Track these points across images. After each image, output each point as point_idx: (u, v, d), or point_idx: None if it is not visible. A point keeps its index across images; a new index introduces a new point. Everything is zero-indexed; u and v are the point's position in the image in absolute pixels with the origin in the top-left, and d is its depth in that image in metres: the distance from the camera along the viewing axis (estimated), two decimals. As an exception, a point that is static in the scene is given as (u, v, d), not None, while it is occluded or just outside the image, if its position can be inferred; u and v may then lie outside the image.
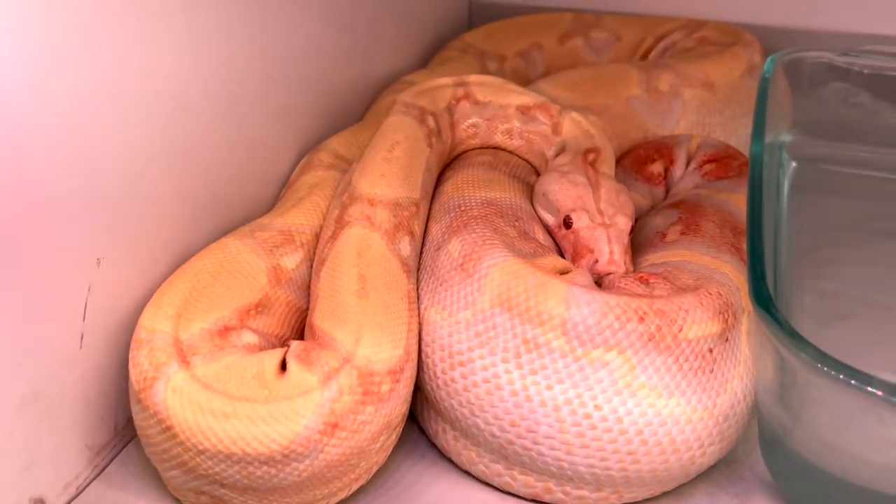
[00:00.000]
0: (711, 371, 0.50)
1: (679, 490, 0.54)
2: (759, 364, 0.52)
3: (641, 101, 0.83)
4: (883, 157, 0.87)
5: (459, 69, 0.88)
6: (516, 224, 0.58)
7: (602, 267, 0.56)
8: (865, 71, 0.87)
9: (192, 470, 0.48)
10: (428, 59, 0.98)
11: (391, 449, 0.53)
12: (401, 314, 0.53)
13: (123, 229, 0.53)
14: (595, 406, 0.48)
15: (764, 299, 0.49)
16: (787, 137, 0.87)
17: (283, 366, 0.50)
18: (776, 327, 0.47)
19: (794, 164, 0.87)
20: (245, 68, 0.63)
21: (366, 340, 0.50)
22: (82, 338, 0.51)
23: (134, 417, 0.51)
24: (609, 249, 0.56)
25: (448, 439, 0.55)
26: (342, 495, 0.51)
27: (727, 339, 0.52)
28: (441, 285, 0.55)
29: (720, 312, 0.51)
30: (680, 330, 0.49)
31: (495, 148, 0.72)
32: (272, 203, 0.69)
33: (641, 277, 0.54)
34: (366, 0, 0.81)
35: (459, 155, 0.71)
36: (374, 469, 0.52)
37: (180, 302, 0.52)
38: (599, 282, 0.55)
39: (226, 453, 0.46)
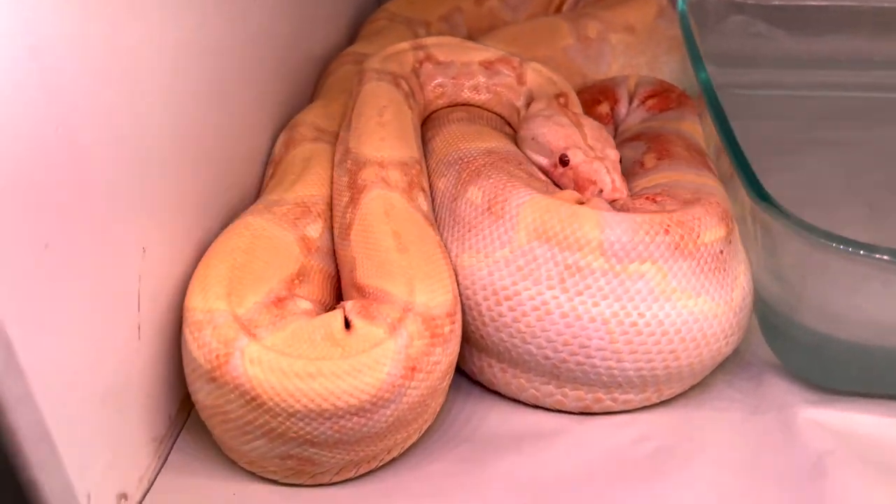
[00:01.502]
0: (724, 270, 0.57)
1: (703, 381, 0.60)
2: (759, 256, 0.59)
3: (576, 49, 0.88)
4: (783, 78, 0.97)
5: (395, 37, 0.90)
6: (522, 167, 0.62)
7: (608, 194, 0.61)
8: (760, 3, 0.96)
9: (281, 435, 0.49)
10: (353, 31, 1.00)
11: (448, 389, 0.56)
12: (441, 262, 0.56)
13: (158, 217, 0.52)
14: (639, 314, 0.53)
15: (764, 195, 0.55)
16: (699, 69, 0.94)
17: (346, 325, 0.52)
18: (782, 216, 0.53)
19: (712, 93, 0.95)
20: (227, 53, 0.63)
21: (419, 289, 0.53)
22: (139, 328, 0.51)
23: (203, 399, 0.51)
24: (611, 178, 0.61)
25: (495, 372, 0.59)
26: (415, 437, 0.54)
27: (730, 241, 0.58)
28: (469, 231, 0.58)
29: (723, 218, 0.58)
30: (698, 237, 0.55)
31: (464, 104, 0.75)
32: (258, 182, 0.70)
33: (648, 197, 0.60)
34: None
35: (430, 115, 0.74)
36: (438, 409, 0.55)
37: (226, 281, 0.53)
38: (612, 207, 0.60)
39: (318, 411, 0.48)
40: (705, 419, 0.58)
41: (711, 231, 0.56)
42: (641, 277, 0.54)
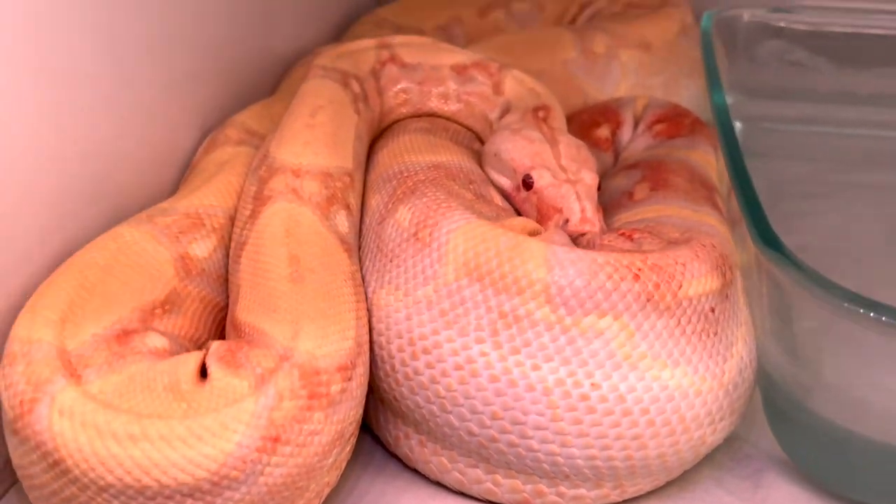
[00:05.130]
0: (716, 334, 0.43)
1: (684, 477, 0.47)
2: (766, 319, 0.45)
3: (578, 64, 0.78)
4: (824, 113, 0.85)
5: (376, 44, 0.80)
6: (471, 187, 0.50)
7: (575, 226, 0.48)
8: (802, 27, 0.84)
9: (93, 514, 0.37)
10: (339, 34, 0.90)
11: (345, 464, 0.44)
12: (346, 298, 0.44)
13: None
14: (592, 384, 0.40)
15: (773, 241, 0.42)
16: (727, 99, 0.82)
17: (203, 372, 0.40)
18: (795, 268, 0.40)
19: (738, 124, 0.83)
20: (137, 28, 0.53)
21: (306, 332, 0.41)
22: (-65, 359, 0.39)
23: (11, 454, 0.39)
24: (580, 206, 0.49)
25: (412, 445, 0.46)
26: (289, 528, 0.41)
27: (727, 297, 0.45)
28: (391, 261, 0.46)
29: (717, 266, 0.44)
30: (679, 287, 0.42)
31: (430, 115, 0.63)
32: (174, 189, 0.59)
33: (623, 233, 0.47)
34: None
35: (390, 125, 0.63)
36: (327, 491, 0.43)
37: (65, 304, 0.42)
38: (575, 243, 0.47)
39: (136, 487, 0.36)
40: (683, 529, 0.44)
41: (699, 281, 0.43)
42: (599, 335, 0.41)
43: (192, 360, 0.40)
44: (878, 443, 0.41)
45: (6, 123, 0.43)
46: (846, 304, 0.38)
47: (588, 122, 0.72)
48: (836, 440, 0.43)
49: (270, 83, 0.75)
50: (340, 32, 0.90)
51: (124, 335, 0.41)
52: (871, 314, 0.37)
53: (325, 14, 0.88)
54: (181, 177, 0.60)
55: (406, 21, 0.91)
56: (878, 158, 0.78)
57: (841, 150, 0.81)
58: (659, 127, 0.70)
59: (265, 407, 0.38)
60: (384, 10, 0.92)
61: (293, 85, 0.72)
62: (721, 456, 0.48)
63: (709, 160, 0.64)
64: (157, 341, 0.42)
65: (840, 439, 0.43)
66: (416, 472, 0.47)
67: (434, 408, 0.43)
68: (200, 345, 0.46)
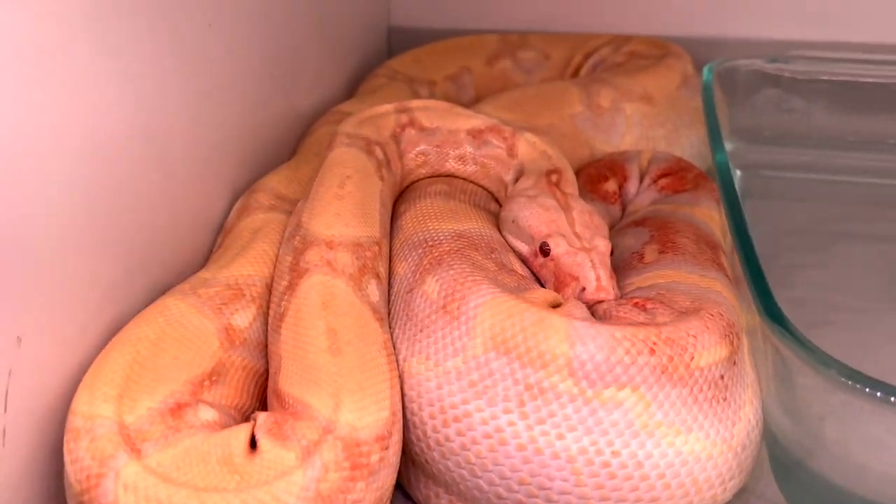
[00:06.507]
0: (725, 399, 0.47)
1: (696, 531, 0.50)
2: (769, 382, 0.48)
3: (585, 117, 0.81)
4: (821, 160, 0.88)
5: (391, 96, 0.83)
6: (493, 256, 0.53)
7: (591, 295, 0.51)
8: (797, 76, 0.88)
9: (156, 582, 0.40)
10: (352, 87, 0.93)
11: (380, 524, 0.47)
12: (381, 369, 0.47)
13: (45, 299, 0.45)
14: (612, 452, 0.44)
15: (777, 315, 0.45)
16: (727, 146, 0.86)
17: (253, 443, 0.43)
18: (796, 344, 0.43)
19: (738, 172, 0.86)
20: (171, 108, 0.56)
21: (347, 405, 0.44)
22: (4, 433, 0.42)
23: (75, 524, 0.42)
24: (595, 275, 0.52)
25: (442, 504, 0.49)
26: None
27: (734, 363, 0.48)
28: (421, 332, 0.49)
29: (726, 335, 0.48)
30: (692, 358, 0.45)
31: (448, 175, 0.67)
32: (207, 253, 0.62)
33: (637, 303, 0.50)
34: (288, 30, 0.75)
35: (409, 185, 0.66)
36: (366, 551, 0.46)
37: (121, 379, 0.44)
38: (592, 311, 0.50)
39: (197, 558, 0.39)
40: (695, 580, 0.47)
41: (710, 352, 0.46)
42: (619, 406, 0.44)
43: (243, 432, 0.43)
44: (874, 503, 0.44)
45: (58, 213, 0.45)
46: (844, 380, 0.41)
47: (596, 176, 0.75)
48: (836, 499, 0.46)
49: (293, 140, 0.78)
50: (353, 85, 0.93)
51: (177, 408, 0.44)
52: (867, 390, 0.40)
53: (339, 68, 0.91)
54: (214, 239, 0.63)
55: (417, 73, 0.94)
56: (874, 206, 0.80)
57: (837, 197, 0.83)
58: (664, 181, 0.73)
59: (312, 479, 0.41)
60: (395, 61, 0.95)
61: (314, 144, 0.75)
62: (730, 509, 0.52)
63: (712, 216, 0.67)
64: (208, 414, 0.45)
65: (840, 499, 0.46)
66: (445, 528, 0.50)
67: (464, 472, 0.46)
68: (244, 411, 0.49)
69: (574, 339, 0.44)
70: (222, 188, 0.65)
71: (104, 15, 0.48)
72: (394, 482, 0.46)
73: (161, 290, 0.54)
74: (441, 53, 0.97)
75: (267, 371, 0.51)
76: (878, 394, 0.40)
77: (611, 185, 0.74)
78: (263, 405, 0.50)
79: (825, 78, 0.87)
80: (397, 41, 1.07)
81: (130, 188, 0.52)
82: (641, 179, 0.75)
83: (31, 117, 0.43)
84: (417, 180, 0.66)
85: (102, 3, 0.48)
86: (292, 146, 0.78)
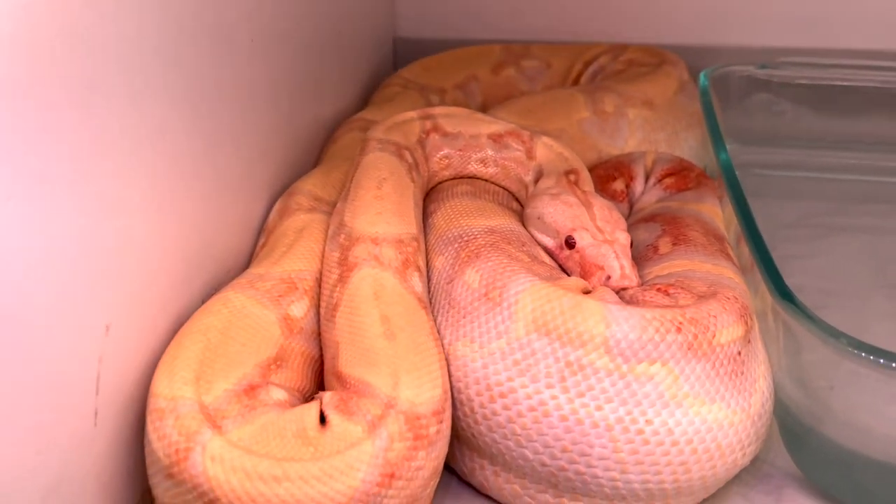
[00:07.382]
0: (742, 373, 0.52)
1: (715, 494, 0.55)
2: (781, 358, 0.53)
3: (591, 122, 0.85)
4: (809, 159, 0.94)
5: (407, 104, 0.88)
6: (524, 249, 0.58)
7: (616, 282, 0.56)
8: (786, 81, 0.93)
9: (242, 543, 0.44)
10: (364, 96, 0.98)
11: (434, 493, 0.51)
12: (431, 352, 0.51)
13: (126, 292, 0.49)
14: (646, 421, 0.48)
15: (788, 294, 0.50)
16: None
17: (321, 419, 0.47)
18: (807, 318, 0.48)
19: (733, 171, 0.91)
20: (225, 116, 0.60)
21: (405, 383, 0.48)
22: (96, 414, 0.46)
23: (161, 495, 0.46)
24: (619, 264, 0.57)
25: (487, 475, 0.54)
26: (392, 549, 0.49)
27: (749, 341, 0.53)
28: (464, 317, 0.53)
29: (741, 315, 0.53)
30: (714, 336, 0.50)
31: (470, 177, 0.71)
32: (249, 252, 0.66)
33: (660, 289, 0.55)
34: (313, 45, 0.80)
35: (435, 187, 0.71)
36: (423, 517, 0.50)
37: (196, 364, 0.49)
38: (619, 297, 0.55)
39: (282, 519, 0.43)
40: (718, 538, 0.52)
41: (728, 330, 0.51)
42: (650, 380, 0.49)
43: (314, 409, 0.47)
44: (880, 462, 0.50)
45: (141, 213, 0.50)
46: (851, 349, 0.46)
47: (604, 177, 0.80)
48: (844, 461, 0.51)
49: (317, 147, 0.82)
50: (365, 94, 0.97)
51: (251, 389, 0.48)
52: (871, 357, 0.45)
53: (355, 78, 0.95)
54: (255, 239, 0.67)
55: (428, 81, 0.98)
56: (865, 200, 0.86)
57: (824, 193, 0.89)
58: (668, 181, 0.78)
59: (381, 448, 0.45)
60: (407, 71, 1.00)
61: (339, 150, 0.79)
62: (746, 475, 0.56)
63: (716, 212, 0.72)
64: (278, 394, 0.49)
65: (848, 460, 0.51)
66: (488, 498, 0.55)
67: (510, 443, 0.50)
68: (305, 393, 0.53)
69: (609, 321, 0.49)
70: (262, 191, 0.69)
71: (174, 35, 0.52)
72: (446, 453, 0.50)
73: (215, 287, 0.59)
74: (449, 63, 1.02)
75: (321, 357, 0.55)
76: (882, 361, 0.45)
77: (618, 185, 0.79)
78: (320, 387, 0.54)
79: (812, 83, 0.93)
80: (403, 52, 1.12)
81: (187, 190, 0.56)
82: (647, 179, 0.80)
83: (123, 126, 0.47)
84: (442, 182, 0.71)
85: (174, 26, 0.52)
86: (317, 152, 0.82)
